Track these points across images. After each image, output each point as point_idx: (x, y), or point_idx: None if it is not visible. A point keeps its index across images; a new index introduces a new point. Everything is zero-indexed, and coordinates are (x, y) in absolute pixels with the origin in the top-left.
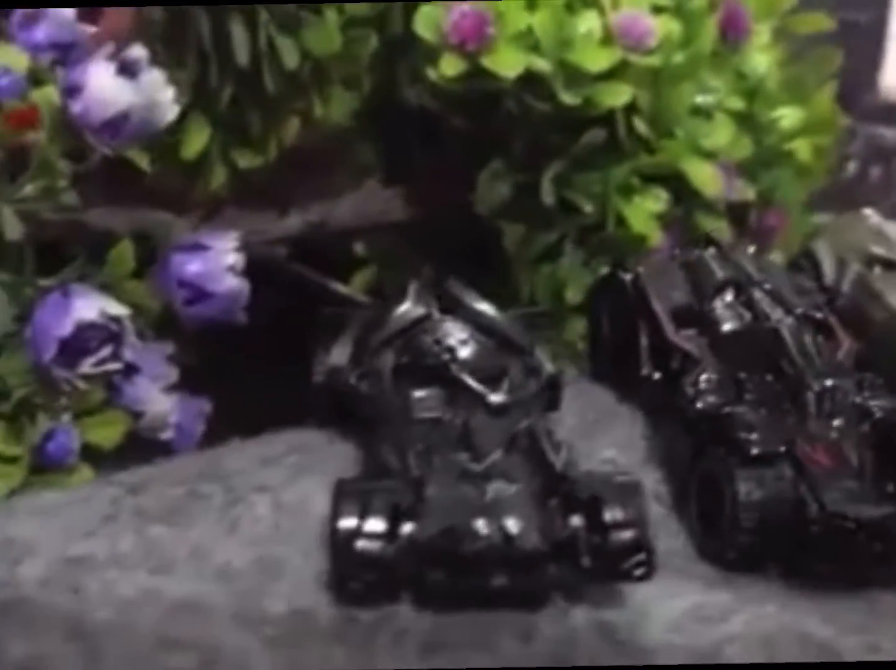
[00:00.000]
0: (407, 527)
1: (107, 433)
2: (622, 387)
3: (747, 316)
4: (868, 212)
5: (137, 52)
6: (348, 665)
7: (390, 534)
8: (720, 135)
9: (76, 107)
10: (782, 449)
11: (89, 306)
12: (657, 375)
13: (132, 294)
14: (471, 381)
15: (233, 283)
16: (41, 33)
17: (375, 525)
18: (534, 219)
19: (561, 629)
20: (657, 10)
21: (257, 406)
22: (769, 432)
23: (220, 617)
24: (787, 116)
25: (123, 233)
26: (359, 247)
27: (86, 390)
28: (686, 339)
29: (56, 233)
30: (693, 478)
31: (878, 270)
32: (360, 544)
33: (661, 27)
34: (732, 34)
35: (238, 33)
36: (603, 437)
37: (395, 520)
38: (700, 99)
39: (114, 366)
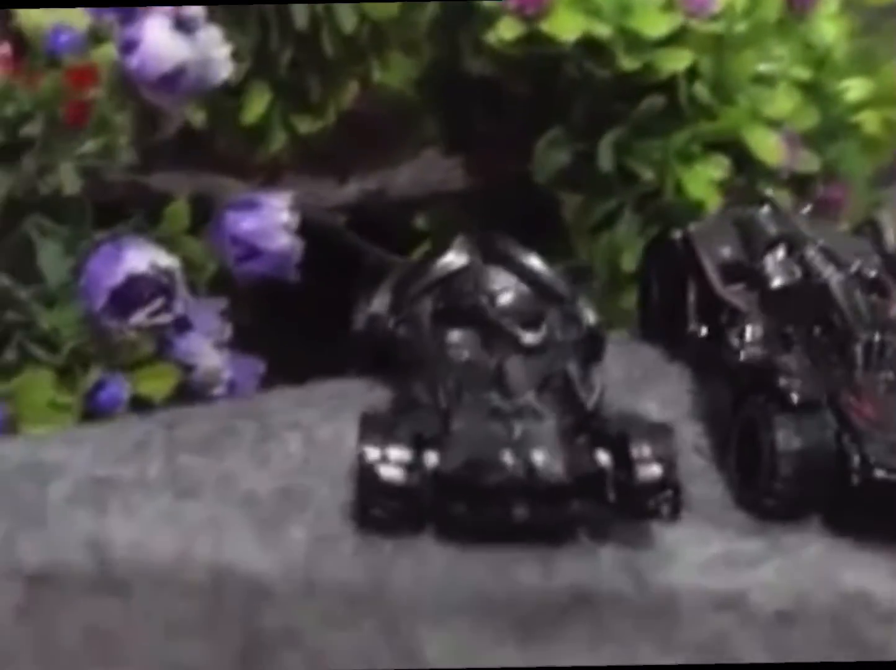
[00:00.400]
0: (431, 458)
1: (157, 385)
2: (671, 345)
3: (798, 272)
4: None
5: (194, 9)
6: (366, 590)
7: (414, 464)
8: (783, 103)
9: (132, 62)
10: (825, 398)
11: (141, 258)
12: (704, 330)
13: (186, 249)
14: (506, 323)
15: (285, 241)
16: None
17: (400, 454)
18: (592, 187)
19: (585, 565)
20: None
21: (309, 367)
22: (812, 381)
23: (240, 539)
24: (855, 88)
25: (183, 197)
26: (418, 219)
27: (137, 341)
28: (734, 295)
29: (118, 195)
30: (734, 427)
31: None
32: (384, 472)
33: None
34: (799, 2)
35: None
36: (647, 392)
37: (420, 450)
38: (763, 67)
39: (165, 318)
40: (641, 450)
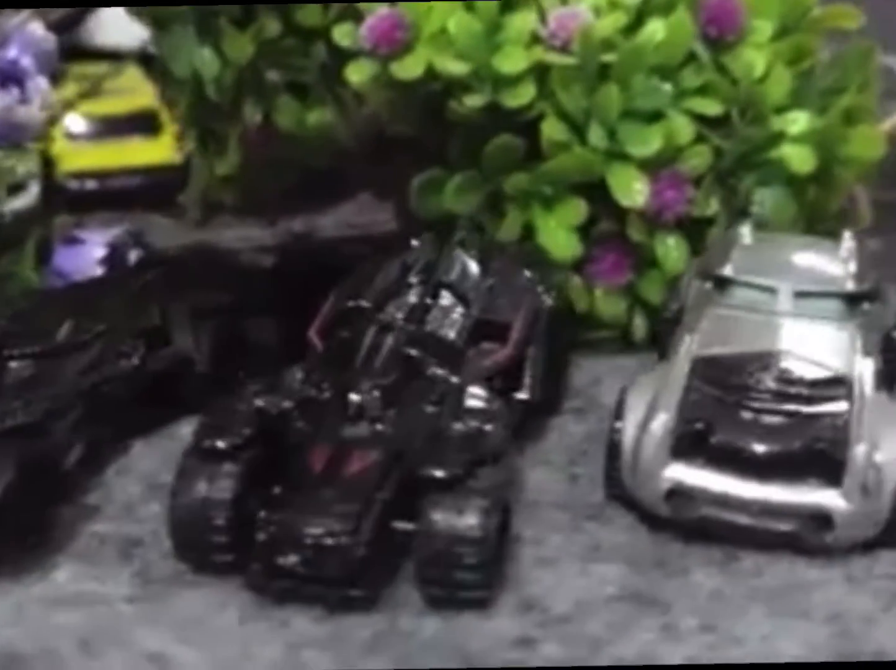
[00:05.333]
0: None
1: None
2: None
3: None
4: None
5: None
6: None
7: None
8: (653, 142)
9: None
10: None
11: None
12: None
13: None
14: None
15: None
16: None
17: None
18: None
19: None
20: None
21: None
22: None
23: None
24: (790, 121)
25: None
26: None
27: None
28: None
29: None
30: None
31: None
32: None
33: (600, 25)
34: (715, 31)
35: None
36: None
37: None
38: (642, 101)
39: None
40: None
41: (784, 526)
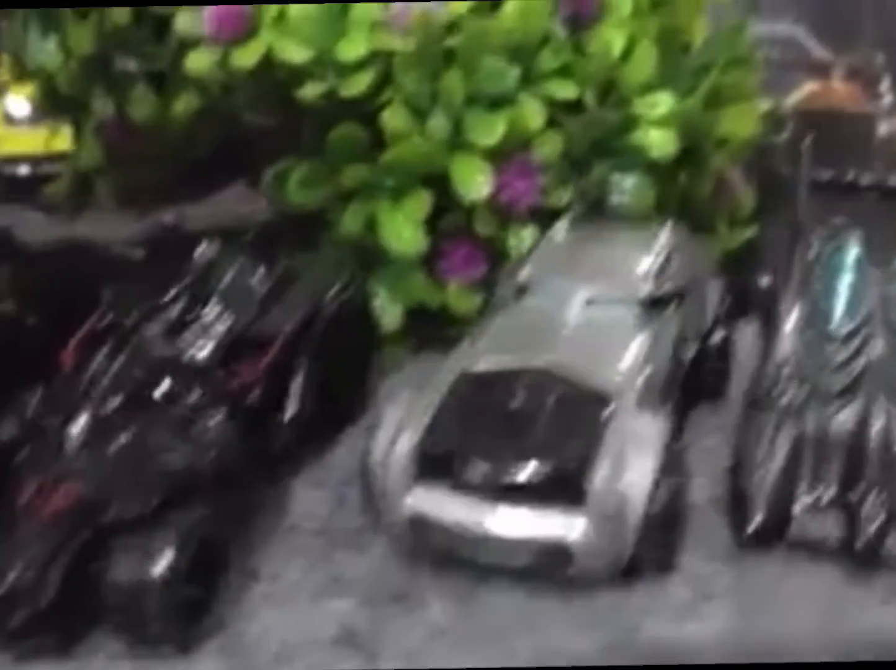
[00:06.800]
0: None
1: None
2: None
3: None
4: None
5: None
6: None
7: None
8: (496, 129)
9: None
10: None
11: None
12: None
13: None
14: None
15: None
16: None
17: None
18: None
19: None
20: None
21: None
22: None
23: None
24: (652, 104)
25: None
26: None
27: None
28: None
29: None
30: None
31: None
32: None
33: (448, 7)
34: (571, 8)
35: None
36: None
37: None
38: (489, 86)
39: None
40: None
41: (523, 560)
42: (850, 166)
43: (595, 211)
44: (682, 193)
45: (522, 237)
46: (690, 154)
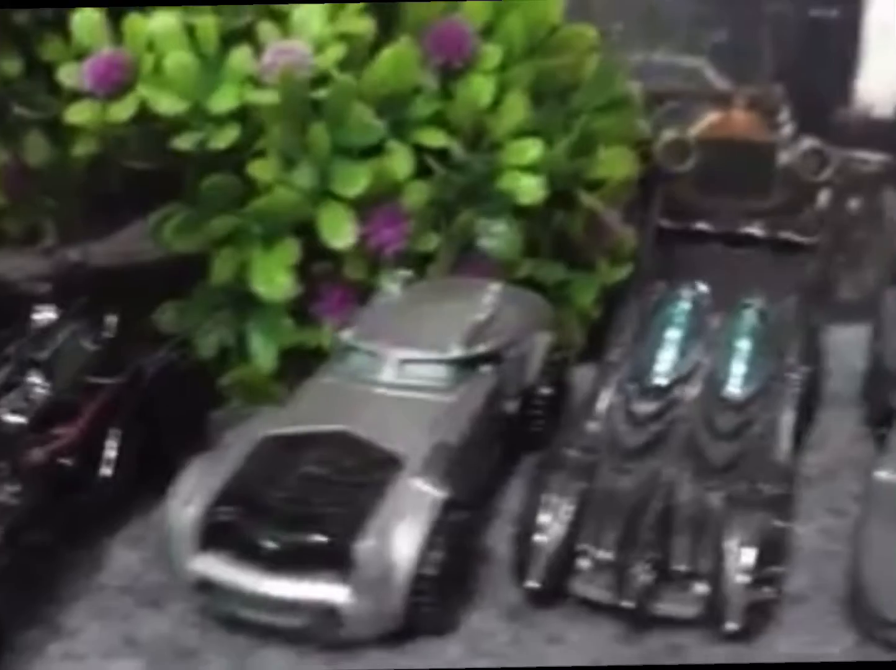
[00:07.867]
0: None
1: None
2: None
3: None
4: None
5: None
6: None
7: None
8: (361, 180)
9: None
10: None
11: None
12: None
13: None
14: None
15: None
16: None
17: None
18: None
19: None
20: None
21: None
22: None
23: None
24: (520, 150)
25: None
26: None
27: None
28: None
29: None
30: None
31: None
32: None
33: (318, 59)
34: (442, 58)
35: None
36: None
37: None
38: (357, 137)
39: None
40: None
41: (297, 621)
42: (751, 193)
43: (464, 256)
44: (555, 234)
45: (392, 279)
46: (562, 197)
